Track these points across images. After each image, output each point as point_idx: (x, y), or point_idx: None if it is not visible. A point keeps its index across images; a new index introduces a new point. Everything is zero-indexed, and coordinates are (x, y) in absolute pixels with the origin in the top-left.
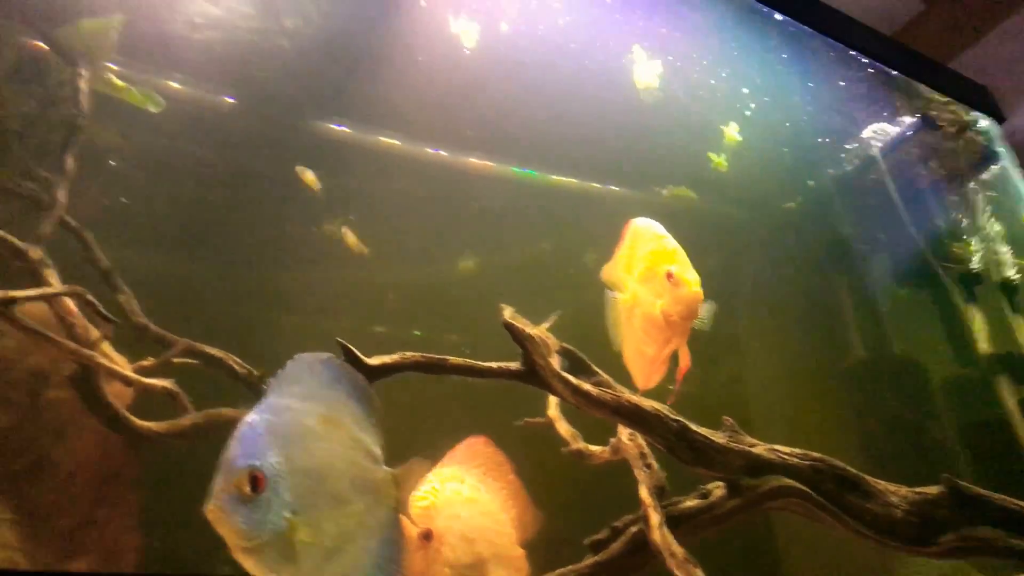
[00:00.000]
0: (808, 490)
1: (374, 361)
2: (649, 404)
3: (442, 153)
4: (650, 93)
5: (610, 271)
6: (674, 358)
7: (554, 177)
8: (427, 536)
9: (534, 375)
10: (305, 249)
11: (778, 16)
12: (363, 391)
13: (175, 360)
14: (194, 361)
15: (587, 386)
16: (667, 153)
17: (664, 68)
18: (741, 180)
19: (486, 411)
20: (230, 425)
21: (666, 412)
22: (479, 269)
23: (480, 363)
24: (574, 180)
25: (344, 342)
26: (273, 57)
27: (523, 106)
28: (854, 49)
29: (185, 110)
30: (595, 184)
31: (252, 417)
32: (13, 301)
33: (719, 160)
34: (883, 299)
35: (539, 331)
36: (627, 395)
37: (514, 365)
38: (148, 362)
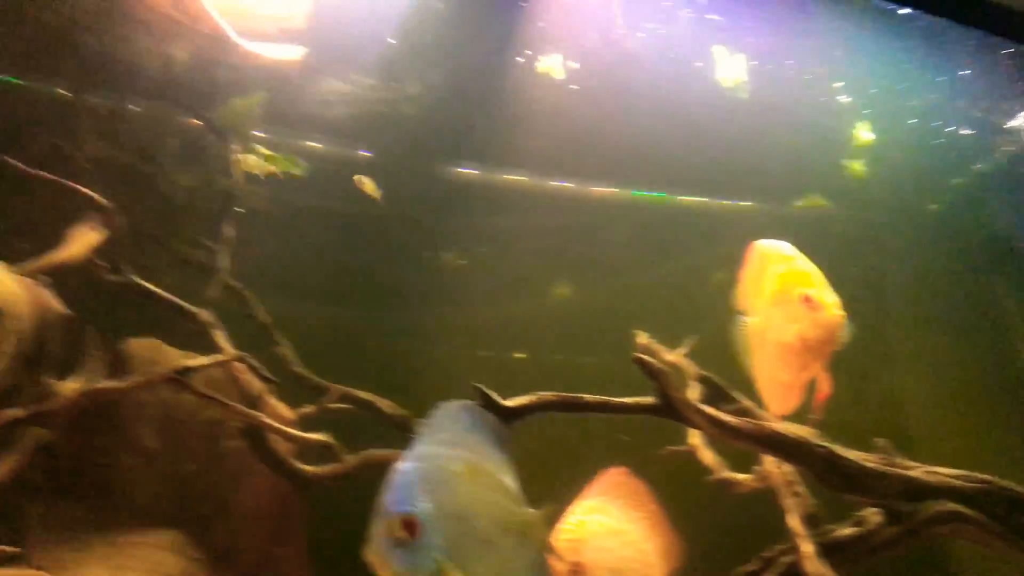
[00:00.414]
0: (977, 514)
1: (511, 403)
2: (793, 431)
3: (567, 185)
4: (742, 88)
5: (737, 295)
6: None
7: (680, 198)
8: (576, 570)
9: (670, 409)
10: (445, 287)
11: (903, 11)
12: (501, 435)
13: (331, 405)
14: (347, 405)
15: (726, 416)
16: (794, 163)
17: (783, 75)
18: (877, 184)
19: (623, 441)
20: (384, 465)
21: (811, 439)
22: (611, 295)
23: (615, 400)
24: (701, 199)
25: (482, 387)
26: (401, 115)
27: (639, 131)
28: (995, 34)
29: (326, 167)
30: (723, 201)
31: (404, 465)
32: (189, 370)
33: (855, 165)
34: None
35: (675, 358)
36: (769, 423)
37: (649, 400)
38: (308, 409)
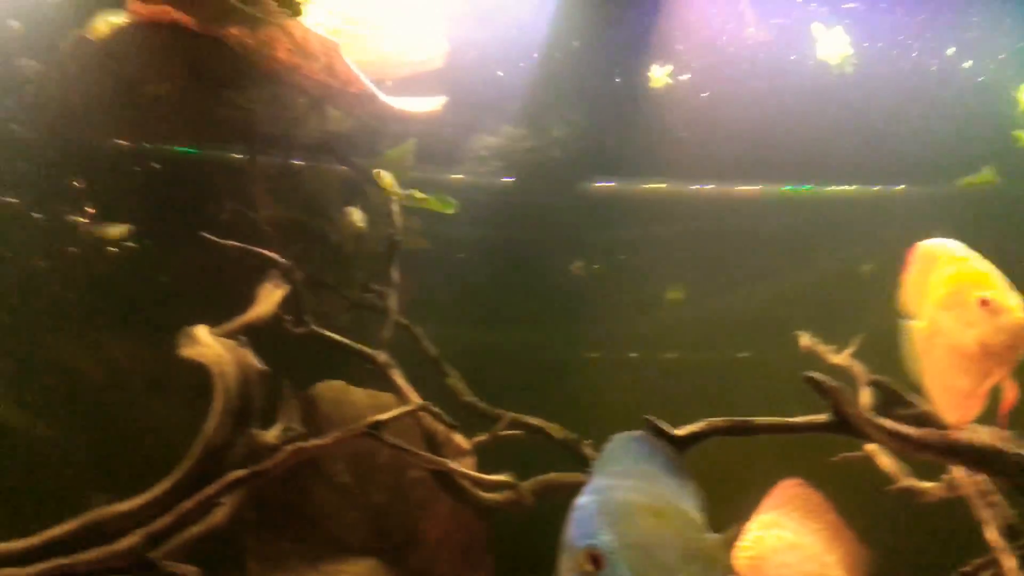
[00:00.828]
0: None
1: (682, 432)
2: (984, 441)
3: (708, 187)
4: (847, 62)
5: (901, 297)
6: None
7: (830, 189)
8: None
9: (846, 426)
10: (605, 298)
11: None
12: (675, 462)
13: (502, 433)
14: (518, 432)
15: (909, 429)
16: (952, 139)
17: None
18: None
19: (795, 450)
20: (557, 490)
21: (1004, 447)
22: (767, 293)
23: (787, 420)
24: (851, 188)
25: (652, 418)
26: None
27: (776, 126)
28: None
29: (472, 196)
30: (876, 187)
31: (583, 499)
32: (380, 424)
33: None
34: None
35: (843, 359)
36: (957, 433)
37: (824, 417)
38: (482, 437)
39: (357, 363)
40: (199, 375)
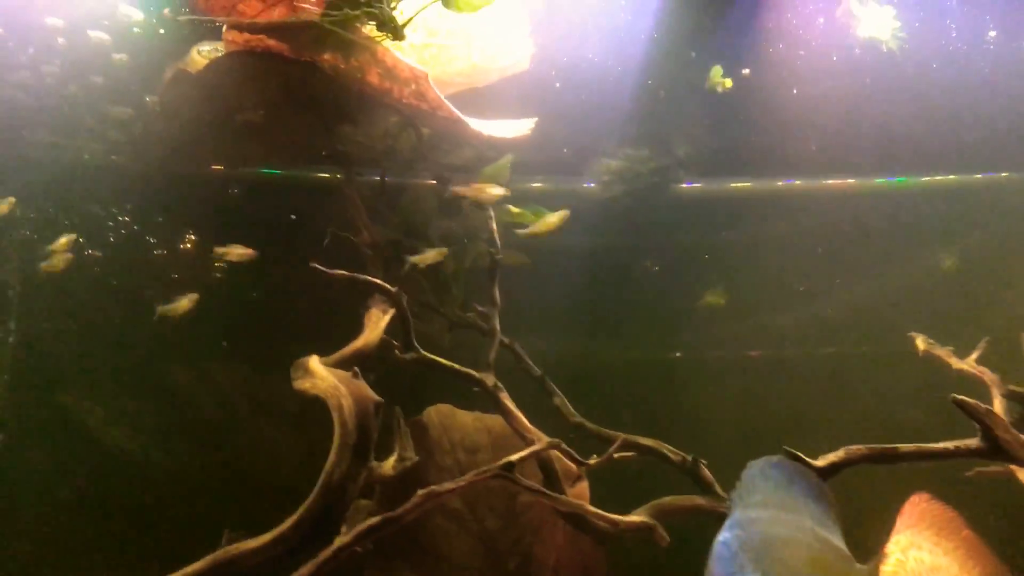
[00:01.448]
0: None
1: (821, 463)
2: None
3: (832, 183)
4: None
5: None
6: None
7: (939, 178)
8: None
9: (998, 451)
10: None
11: None
12: (818, 488)
13: (616, 456)
14: (631, 454)
15: None
16: None
17: None
18: None
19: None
20: (674, 514)
21: None
22: (880, 287)
23: (933, 446)
24: (968, 177)
25: (791, 449)
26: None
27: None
28: None
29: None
30: (993, 175)
31: (724, 535)
32: (512, 465)
33: None
34: None
35: (968, 365)
36: None
37: (973, 443)
38: (593, 461)
39: (454, 382)
40: (303, 399)
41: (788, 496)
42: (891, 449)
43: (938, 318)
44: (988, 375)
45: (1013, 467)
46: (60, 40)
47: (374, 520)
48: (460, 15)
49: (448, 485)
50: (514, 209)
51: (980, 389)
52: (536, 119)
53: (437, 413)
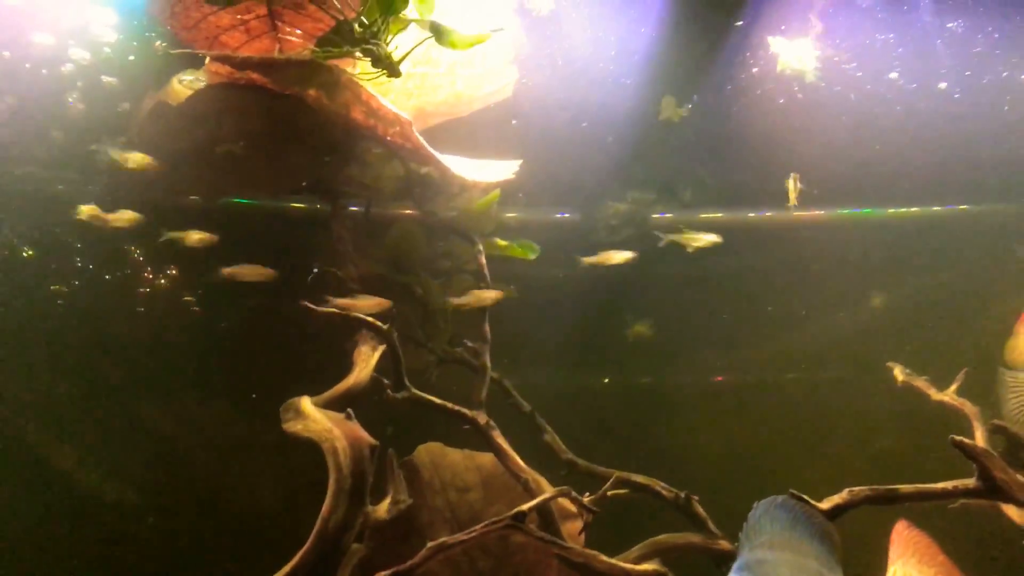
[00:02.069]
0: None
1: (825, 505)
2: None
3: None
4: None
5: (1012, 351)
6: None
7: (913, 209)
8: None
9: (996, 491)
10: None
11: None
12: (822, 529)
13: (610, 493)
14: (624, 491)
15: None
16: None
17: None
18: None
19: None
20: (670, 552)
21: None
22: (862, 315)
23: (934, 486)
24: (942, 208)
25: (796, 492)
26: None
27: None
28: None
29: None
30: (961, 207)
31: None
32: (524, 515)
33: None
34: None
35: (949, 397)
36: None
37: (970, 483)
38: (586, 498)
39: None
40: (284, 436)
41: (794, 537)
42: (892, 491)
43: (912, 348)
44: (968, 407)
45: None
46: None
47: (383, 575)
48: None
49: (459, 537)
50: (500, 242)
51: (958, 420)
52: (521, 161)
53: (427, 452)
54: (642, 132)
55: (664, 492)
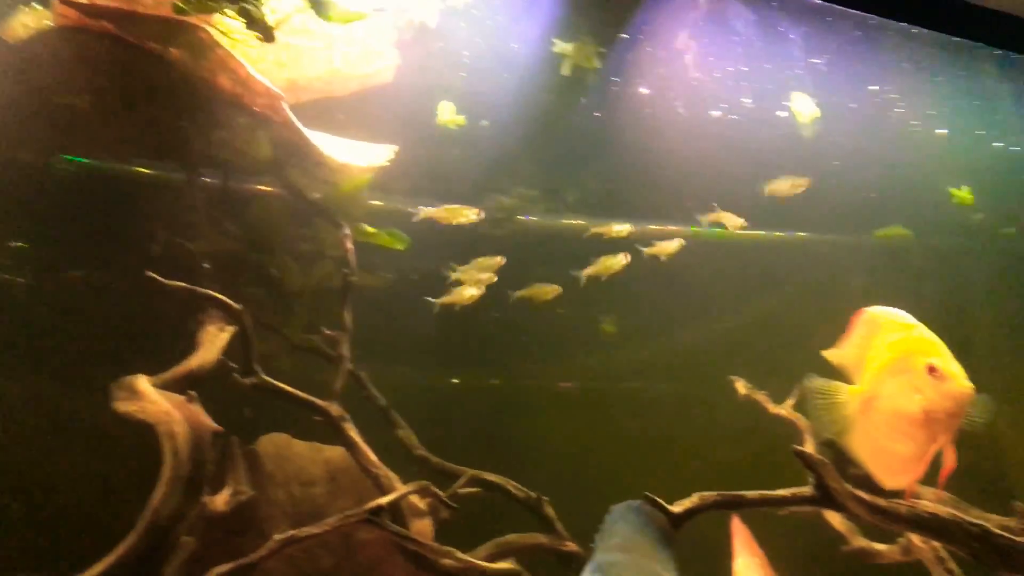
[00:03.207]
0: None
1: (677, 508)
2: (947, 511)
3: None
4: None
5: (837, 357)
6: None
7: (759, 232)
8: None
9: (829, 499)
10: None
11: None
12: (666, 534)
13: (461, 491)
14: (477, 489)
15: (885, 503)
16: (874, 196)
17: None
18: (954, 211)
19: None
20: (517, 552)
21: (963, 516)
22: (698, 334)
23: (775, 493)
24: (784, 234)
25: (651, 495)
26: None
27: (722, 168)
28: None
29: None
30: (802, 234)
31: None
32: (381, 509)
33: (963, 193)
34: None
35: (788, 412)
36: (923, 505)
37: (807, 490)
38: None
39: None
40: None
41: (643, 540)
42: (739, 496)
43: (752, 363)
44: (802, 420)
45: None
46: None
47: (223, 568)
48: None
49: (309, 529)
50: (369, 229)
51: (793, 433)
52: (397, 148)
53: (272, 443)
54: (529, 132)
55: (516, 492)
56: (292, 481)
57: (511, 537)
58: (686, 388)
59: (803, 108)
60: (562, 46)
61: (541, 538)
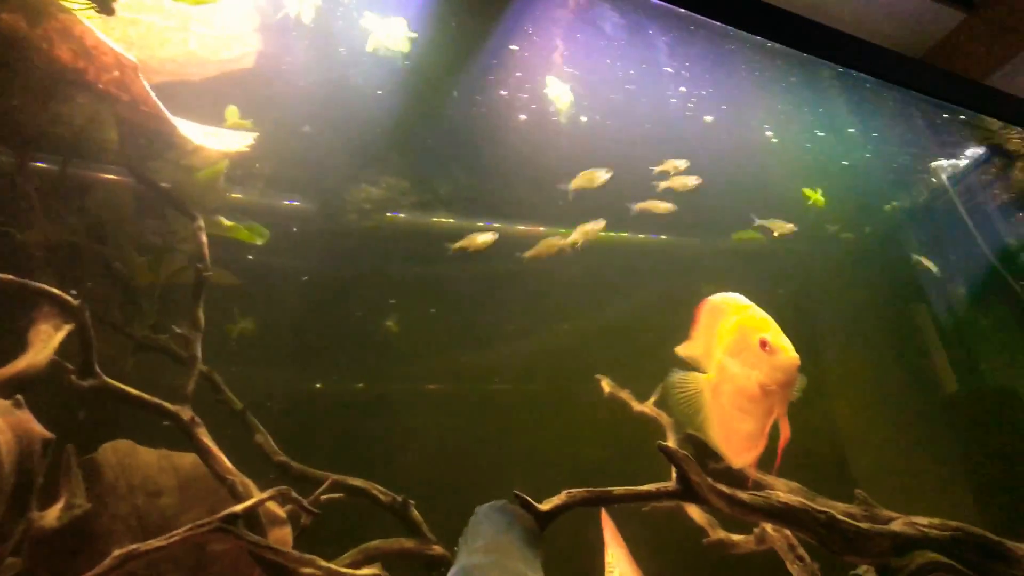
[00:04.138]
0: (954, 563)
1: (546, 506)
2: (797, 500)
3: (520, 228)
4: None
5: (688, 350)
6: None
7: (624, 235)
8: None
9: (691, 493)
10: (405, 336)
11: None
12: (532, 533)
13: (324, 497)
14: (340, 495)
15: (742, 495)
16: (734, 203)
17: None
18: (806, 220)
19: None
20: (385, 557)
21: (811, 504)
22: (560, 336)
23: (639, 488)
24: (645, 237)
25: (521, 494)
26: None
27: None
28: (916, 90)
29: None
30: (665, 237)
31: None
32: (237, 517)
33: (815, 194)
34: (967, 325)
35: (650, 409)
36: (776, 495)
37: (671, 485)
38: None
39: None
40: None
41: (507, 540)
42: (607, 492)
43: (615, 363)
44: (664, 417)
45: (687, 505)
46: None
47: None
48: None
49: (154, 542)
50: (225, 221)
51: (657, 429)
52: (257, 134)
53: (114, 451)
54: (399, 123)
55: (381, 496)
56: (137, 492)
57: (376, 543)
58: (553, 389)
59: (559, 94)
60: (371, 21)
61: (407, 543)
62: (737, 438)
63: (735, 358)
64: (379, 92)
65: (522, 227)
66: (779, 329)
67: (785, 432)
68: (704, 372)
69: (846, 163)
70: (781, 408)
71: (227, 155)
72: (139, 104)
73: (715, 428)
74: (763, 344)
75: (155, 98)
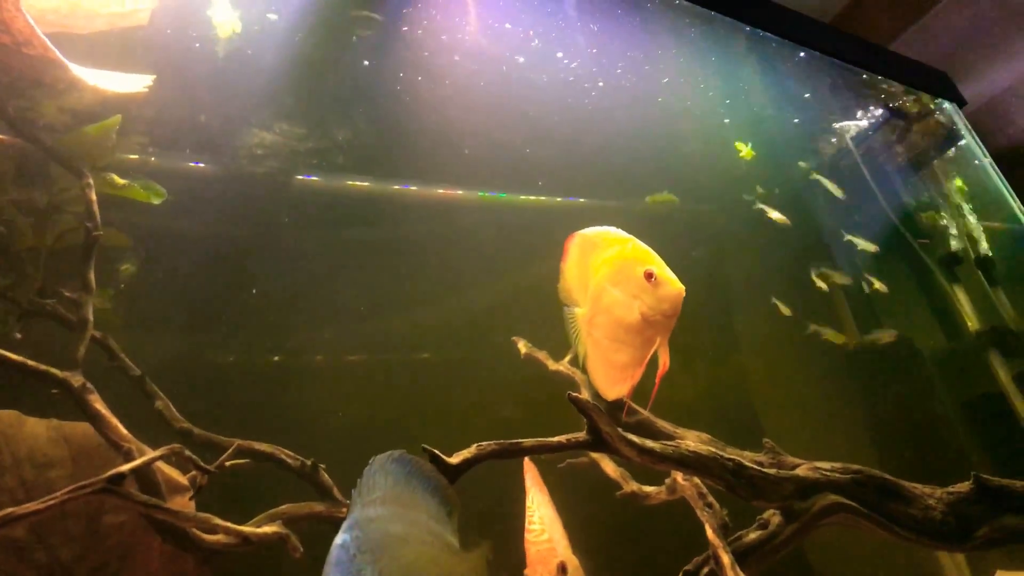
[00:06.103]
0: (855, 504)
1: (455, 460)
2: (706, 449)
3: (422, 189)
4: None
5: (562, 287)
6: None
7: (533, 197)
8: (563, 570)
9: (602, 443)
10: (311, 300)
11: (747, 27)
12: (436, 482)
13: (229, 463)
14: (245, 460)
15: (652, 444)
16: (645, 164)
17: (646, 87)
18: (717, 182)
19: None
20: (294, 522)
21: (720, 453)
22: (475, 298)
23: (550, 440)
24: (555, 198)
25: (429, 448)
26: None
27: (498, 135)
28: (823, 52)
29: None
30: (579, 199)
31: (343, 537)
32: (122, 476)
33: (746, 149)
34: (869, 283)
35: (565, 367)
36: (685, 444)
37: (581, 436)
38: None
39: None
40: None
41: (407, 491)
42: (516, 444)
43: (527, 324)
44: (578, 375)
45: (598, 457)
46: None
47: None
48: None
49: (32, 506)
50: (119, 180)
51: (571, 387)
52: (154, 76)
53: None
54: (298, 69)
55: (289, 460)
56: (24, 463)
57: (285, 507)
58: (472, 353)
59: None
60: None
61: (317, 506)
62: (611, 369)
63: (614, 288)
64: (273, 17)
65: (432, 189)
66: (663, 262)
67: (665, 363)
68: (578, 306)
69: (757, 123)
70: (664, 338)
71: (122, 97)
72: (22, 46)
73: (589, 360)
74: (648, 275)
75: (44, 36)
